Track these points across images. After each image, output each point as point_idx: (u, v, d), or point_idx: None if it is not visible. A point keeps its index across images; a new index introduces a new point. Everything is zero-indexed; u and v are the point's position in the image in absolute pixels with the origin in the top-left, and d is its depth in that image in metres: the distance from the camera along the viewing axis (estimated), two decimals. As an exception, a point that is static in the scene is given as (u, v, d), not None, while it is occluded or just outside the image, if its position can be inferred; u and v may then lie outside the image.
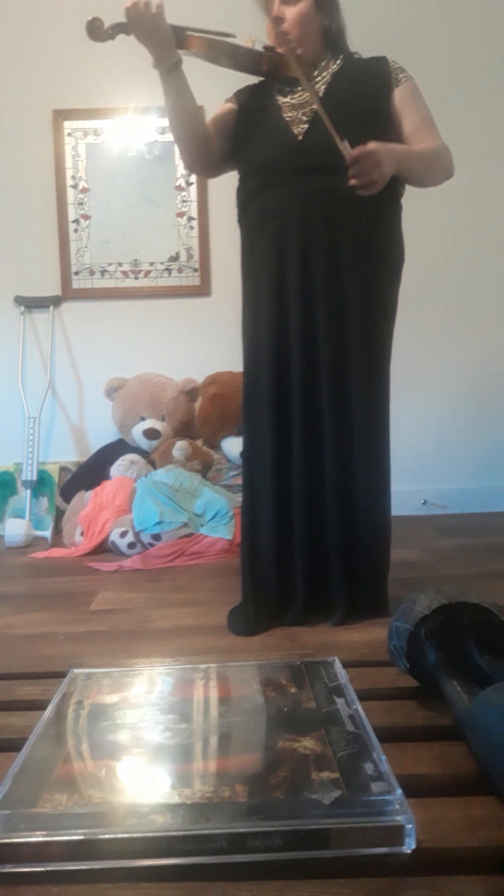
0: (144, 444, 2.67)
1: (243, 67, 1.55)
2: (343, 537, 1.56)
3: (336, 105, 1.47)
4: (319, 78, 1.55)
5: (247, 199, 1.61)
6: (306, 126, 1.51)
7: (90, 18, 1.46)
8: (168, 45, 1.45)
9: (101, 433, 2.82)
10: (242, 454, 1.71)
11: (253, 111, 1.61)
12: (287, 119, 1.54)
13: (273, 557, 1.58)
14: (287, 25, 1.51)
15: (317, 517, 1.57)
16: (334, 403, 1.53)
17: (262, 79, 1.62)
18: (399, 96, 1.54)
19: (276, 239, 1.54)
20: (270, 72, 1.56)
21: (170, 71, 1.49)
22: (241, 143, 1.61)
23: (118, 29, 1.45)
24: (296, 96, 1.55)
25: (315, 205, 1.51)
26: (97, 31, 1.47)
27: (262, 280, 1.57)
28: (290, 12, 1.51)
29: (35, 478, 2.64)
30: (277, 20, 1.51)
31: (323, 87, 1.53)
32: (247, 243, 1.64)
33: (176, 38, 1.46)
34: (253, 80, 1.63)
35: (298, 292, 1.53)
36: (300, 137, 1.51)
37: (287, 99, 1.56)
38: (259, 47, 1.55)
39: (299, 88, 1.54)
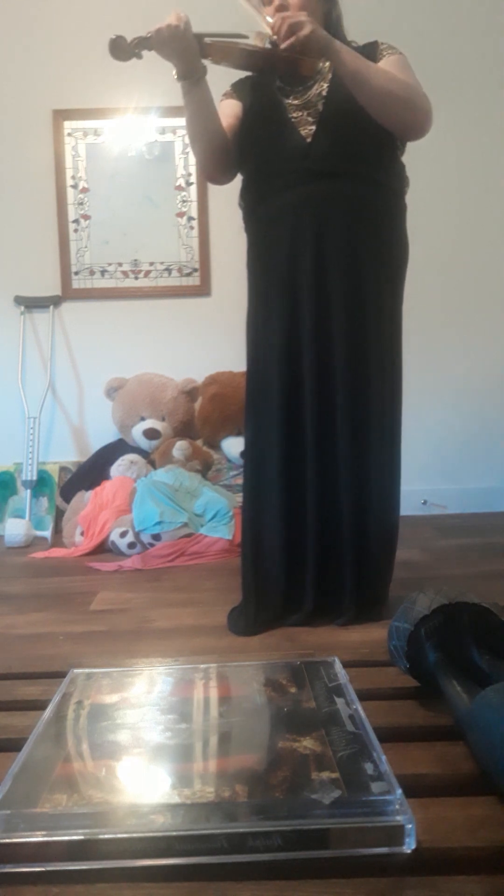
0: (144, 444, 2.67)
1: (258, 70, 1.52)
2: (356, 540, 1.55)
3: (340, 102, 1.48)
4: (322, 70, 1.54)
5: (255, 202, 1.61)
6: (313, 127, 1.51)
7: (113, 37, 1.38)
8: (195, 59, 1.42)
9: (101, 433, 2.82)
10: (244, 454, 1.71)
11: (257, 110, 1.60)
12: (293, 120, 1.53)
13: (280, 559, 1.57)
14: (291, 12, 1.49)
15: (329, 519, 1.56)
16: (349, 402, 1.53)
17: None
18: (382, 66, 1.50)
19: (288, 241, 1.54)
20: (286, 73, 1.53)
21: (196, 84, 1.47)
22: (247, 144, 1.60)
23: (143, 45, 1.39)
24: (300, 97, 1.55)
25: (327, 208, 1.50)
26: (121, 49, 1.40)
27: (273, 282, 1.57)
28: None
29: (35, 478, 2.64)
30: (281, 7, 1.49)
31: (326, 85, 1.53)
32: (255, 244, 1.63)
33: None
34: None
35: (311, 295, 1.53)
36: (308, 139, 1.51)
37: (290, 100, 1.55)
38: (268, 43, 1.53)
39: (300, 88, 1.54)
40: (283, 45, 1.37)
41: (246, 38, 1.48)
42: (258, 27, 1.44)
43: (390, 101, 1.44)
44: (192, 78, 1.46)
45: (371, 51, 1.54)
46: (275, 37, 1.40)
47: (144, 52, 1.42)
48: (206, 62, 1.46)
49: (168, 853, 0.72)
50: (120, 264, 2.82)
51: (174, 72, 1.45)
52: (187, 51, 1.41)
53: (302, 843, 0.72)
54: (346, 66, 1.41)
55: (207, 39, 1.43)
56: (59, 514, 2.63)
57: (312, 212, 1.51)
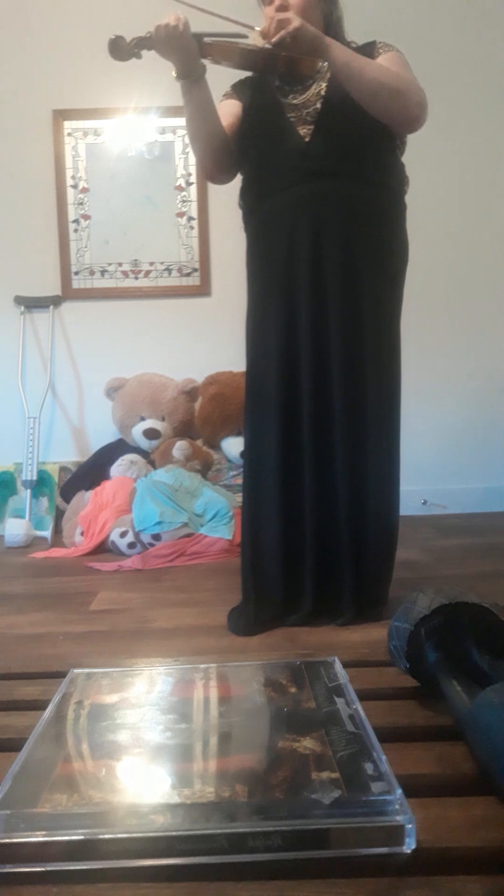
0: (144, 444, 2.67)
1: (258, 69, 1.52)
2: (355, 541, 1.55)
3: (338, 102, 1.47)
4: (322, 69, 1.53)
5: (254, 202, 1.61)
6: (311, 127, 1.51)
7: (112, 37, 1.40)
8: (194, 58, 1.43)
9: (101, 433, 2.82)
10: (243, 455, 1.71)
11: (256, 110, 1.60)
12: (291, 119, 1.53)
13: (280, 559, 1.58)
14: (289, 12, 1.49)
15: (328, 519, 1.56)
16: (347, 402, 1.53)
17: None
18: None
19: (286, 242, 1.54)
20: (286, 72, 1.53)
21: (195, 83, 1.47)
22: (246, 143, 1.60)
23: (142, 44, 1.41)
24: (298, 96, 1.55)
25: (325, 208, 1.51)
26: (120, 49, 1.41)
27: (272, 282, 1.57)
28: None
29: (35, 478, 2.64)
30: (282, 7, 1.49)
31: (324, 85, 1.53)
32: (253, 245, 1.63)
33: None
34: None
35: (310, 295, 1.53)
36: (307, 139, 1.51)
37: (289, 99, 1.55)
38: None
39: (298, 88, 1.54)
40: (273, 40, 1.38)
41: (246, 38, 1.48)
42: (251, 37, 1.44)
43: (382, 91, 1.43)
44: (191, 77, 1.46)
45: (369, 50, 1.54)
46: (264, 41, 1.42)
47: (144, 52, 1.43)
48: (205, 62, 1.46)
49: (168, 853, 0.72)
50: (120, 264, 2.82)
51: (174, 71, 1.45)
52: (186, 50, 1.41)
53: (302, 843, 0.72)
54: (337, 58, 1.42)
55: (207, 39, 1.43)
56: (59, 514, 2.63)
57: (311, 212, 1.51)
